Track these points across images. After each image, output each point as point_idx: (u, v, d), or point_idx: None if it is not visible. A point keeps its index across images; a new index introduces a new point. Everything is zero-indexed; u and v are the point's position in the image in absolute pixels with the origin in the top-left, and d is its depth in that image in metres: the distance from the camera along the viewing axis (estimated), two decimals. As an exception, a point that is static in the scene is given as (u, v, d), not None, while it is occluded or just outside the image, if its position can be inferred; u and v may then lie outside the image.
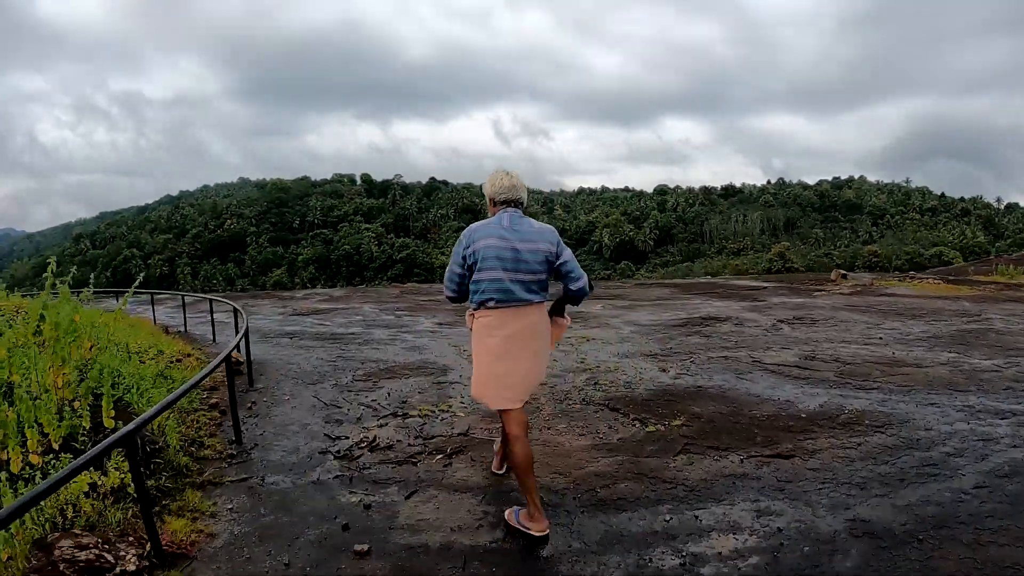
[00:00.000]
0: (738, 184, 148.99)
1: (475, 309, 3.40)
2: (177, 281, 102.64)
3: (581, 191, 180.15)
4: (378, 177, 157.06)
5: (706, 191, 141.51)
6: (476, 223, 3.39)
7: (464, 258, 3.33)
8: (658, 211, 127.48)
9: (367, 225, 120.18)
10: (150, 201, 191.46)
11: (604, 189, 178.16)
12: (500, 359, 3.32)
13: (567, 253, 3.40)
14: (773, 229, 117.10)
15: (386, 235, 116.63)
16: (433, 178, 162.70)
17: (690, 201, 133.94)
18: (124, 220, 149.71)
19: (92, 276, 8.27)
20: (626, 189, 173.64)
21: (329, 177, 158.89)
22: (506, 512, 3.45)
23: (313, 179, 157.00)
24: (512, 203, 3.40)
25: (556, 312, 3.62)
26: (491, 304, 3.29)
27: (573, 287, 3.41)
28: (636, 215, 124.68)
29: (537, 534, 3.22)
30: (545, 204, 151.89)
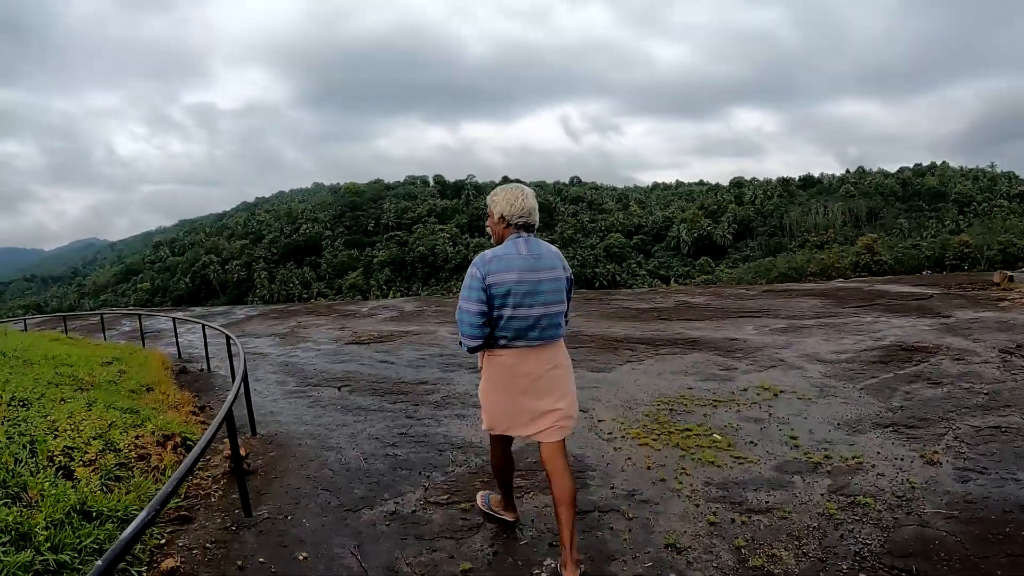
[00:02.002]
0: (816, 174, 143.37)
1: (496, 347, 3.03)
2: (255, 285, 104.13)
3: (655, 186, 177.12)
4: (450, 178, 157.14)
5: (784, 182, 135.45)
6: (488, 251, 3.04)
7: (485, 291, 2.94)
8: (736, 204, 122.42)
9: (441, 226, 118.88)
10: (227, 208, 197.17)
11: (679, 183, 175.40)
12: (534, 398, 3.06)
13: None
14: (855, 220, 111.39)
15: (460, 235, 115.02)
16: (506, 177, 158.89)
17: (768, 193, 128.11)
18: (202, 227, 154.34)
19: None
20: (701, 183, 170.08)
21: (402, 179, 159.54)
22: (477, 498, 3.56)
23: (387, 182, 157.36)
24: (528, 227, 3.08)
25: None
26: (520, 344, 3.00)
27: (568, 316, 3.24)
28: (713, 209, 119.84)
29: (511, 520, 3.37)
30: (620, 200, 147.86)
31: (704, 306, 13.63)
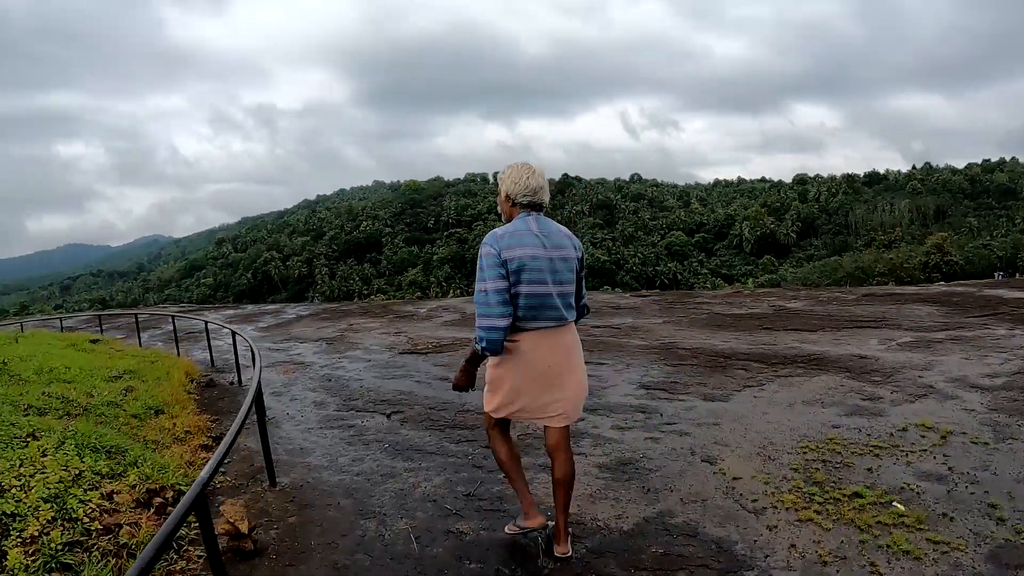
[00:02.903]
0: (881, 170, 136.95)
1: (511, 332, 2.89)
2: (315, 281, 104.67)
3: (717, 183, 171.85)
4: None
5: (849, 179, 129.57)
6: (498, 228, 2.96)
7: (503, 265, 2.82)
8: (799, 201, 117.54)
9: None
10: (289, 206, 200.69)
11: (740, 180, 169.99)
12: (551, 385, 2.95)
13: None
14: (922, 219, 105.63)
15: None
16: (566, 174, 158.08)
17: (832, 190, 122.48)
18: (264, 224, 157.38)
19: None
20: (763, 179, 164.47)
21: (462, 177, 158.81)
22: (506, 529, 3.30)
23: (446, 179, 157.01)
24: (536, 207, 2.98)
25: None
26: (536, 325, 2.89)
27: (584, 301, 3.17)
28: (776, 206, 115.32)
29: (537, 526, 3.11)
30: (681, 198, 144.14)
31: (807, 313, 11.82)
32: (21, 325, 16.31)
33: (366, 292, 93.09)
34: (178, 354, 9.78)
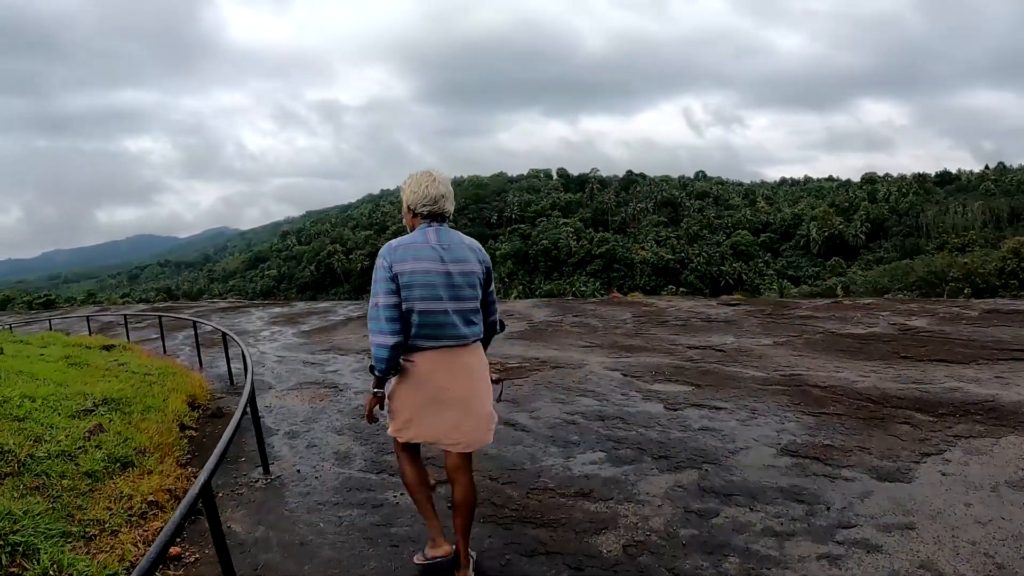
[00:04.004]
0: (952, 170, 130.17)
1: (408, 352, 2.76)
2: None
3: (783, 182, 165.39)
4: (574, 171, 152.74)
5: (920, 179, 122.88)
6: (395, 240, 2.79)
7: (393, 279, 2.67)
8: (868, 201, 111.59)
9: (565, 219, 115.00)
10: (352, 200, 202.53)
11: (807, 179, 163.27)
12: (451, 408, 2.77)
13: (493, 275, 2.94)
14: (996, 221, 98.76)
15: (584, 230, 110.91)
16: (630, 171, 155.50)
17: (903, 190, 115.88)
18: (328, 218, 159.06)
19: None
20: (830, 178, 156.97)
21: (525, 173, 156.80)
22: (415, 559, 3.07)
23: (510, 175, 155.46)
24: (437, 216, 2.83)
25: None
26: (433, 345, 2.72)
27: (494, 318, 3.00)
28: (844, 206, 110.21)
29: (444, 555, 2.90)
30: (747, 196, 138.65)
31: (939, 335, 9.71)
32: (50, 322, 15.34)
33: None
34: (200, 366, 8.45)
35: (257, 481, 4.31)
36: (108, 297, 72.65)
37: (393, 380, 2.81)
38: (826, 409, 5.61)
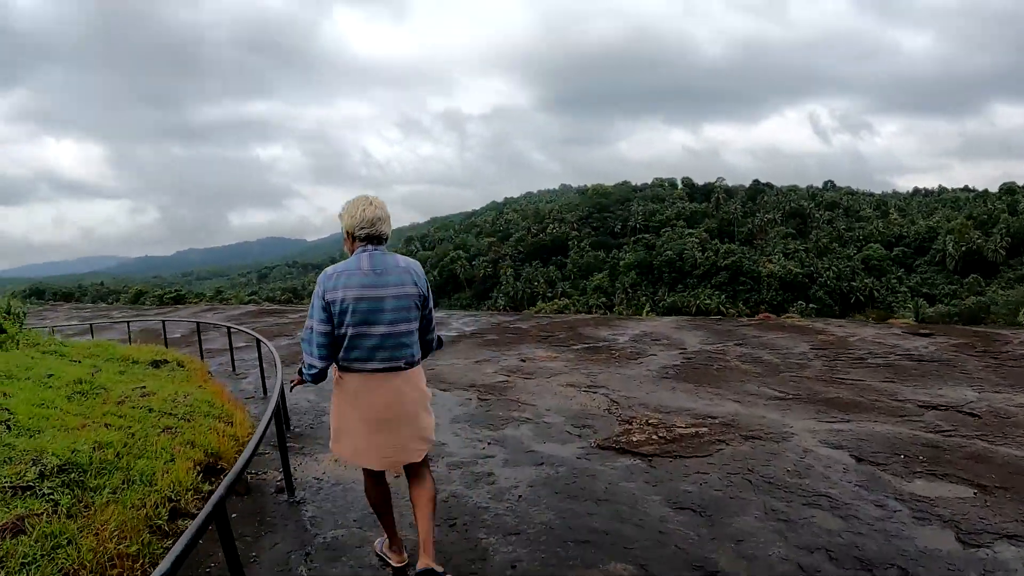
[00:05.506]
0: None
1: (340, 369, 2.83)
2: (499, 282, 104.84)
3: (916, 192, 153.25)
4: (699, 181, 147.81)
5: None
6: (331, 267, 2.84)
7: (326, 308, 2.72)
8: (1008, 214, 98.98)
9: (690, 230, 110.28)
10: (476, 208, 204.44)
11: (941, 189, 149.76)
12: (378, 431, 2.80)
13: (431, 296, 2.99)
14: None
15: (710, 240, 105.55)
16: (757, 180, 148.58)
17: None
18: (451, 224, 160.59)
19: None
20: (966, 188, 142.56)
21: (649, 182, 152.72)
22: (376, 543, 3.23)
23: (633, 184, 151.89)
24: (374, 239, 2.85)
25: None
26: (365, 367, 2.76)
27: (431, 336, 3.05)
28: (983, 219, 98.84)
29: (397, 565, 3.00)
30: (878, 207, 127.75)
31: None
32: (128, 326, 14.28)
33: (550, 295, 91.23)
34: (264, 392, 6.63)
35: None
36: (236, 294, 75.45)
37: (333, 399, 2.91)
38: None
